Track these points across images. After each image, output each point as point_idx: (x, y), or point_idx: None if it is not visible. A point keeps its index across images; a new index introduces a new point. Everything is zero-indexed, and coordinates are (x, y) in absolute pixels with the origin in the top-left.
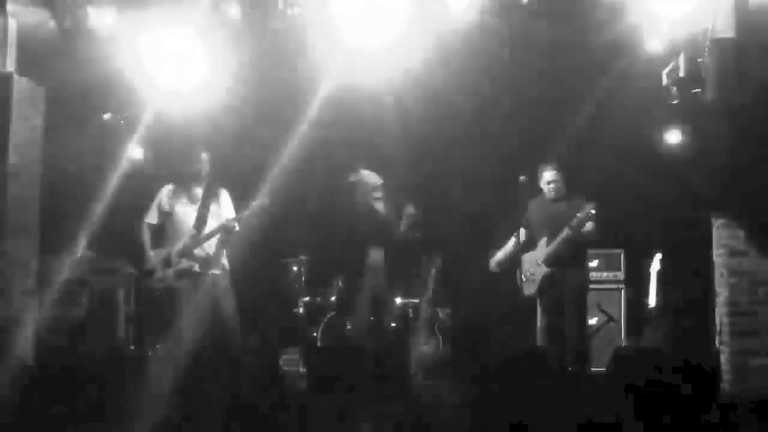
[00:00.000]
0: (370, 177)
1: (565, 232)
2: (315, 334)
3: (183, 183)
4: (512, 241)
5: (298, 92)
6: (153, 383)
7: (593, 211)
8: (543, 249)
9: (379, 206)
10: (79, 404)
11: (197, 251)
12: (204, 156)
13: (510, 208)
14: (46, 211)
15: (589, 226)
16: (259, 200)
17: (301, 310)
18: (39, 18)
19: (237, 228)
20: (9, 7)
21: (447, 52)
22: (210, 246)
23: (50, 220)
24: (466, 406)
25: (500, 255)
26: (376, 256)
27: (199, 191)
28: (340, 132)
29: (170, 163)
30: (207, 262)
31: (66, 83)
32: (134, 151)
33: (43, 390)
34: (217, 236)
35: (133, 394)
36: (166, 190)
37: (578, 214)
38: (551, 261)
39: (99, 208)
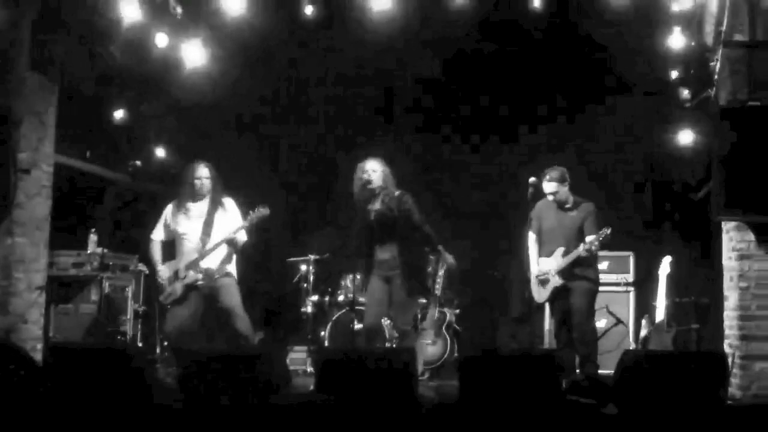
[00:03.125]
0: (365, 167)
1: (581, 250)
2: (323, 334)
3: (186, 199)
4: (533, 250)
5: None
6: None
7: (608, 232)
8: (558, 260)
9: (376, 205)
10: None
11: (203, 263)
12: (206, 171)
13: (520, 208)
14: (56, 207)
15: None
16: (259, 211)
17: (309, 309)
18: (52, 15)
19: (240, 239)
20: (22, 5)
21: None
22: (216, 257)
23: (61, 217)
24: (471, 406)
25: (535, 268)
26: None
27: (203, 205)
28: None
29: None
30: (213, 273)
31: (78, 80)
32: (146, 148)
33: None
34: (223, 247)
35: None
36: (171, 206)
37: (595, 236)
38: (565, 274)
39: (110, 205)
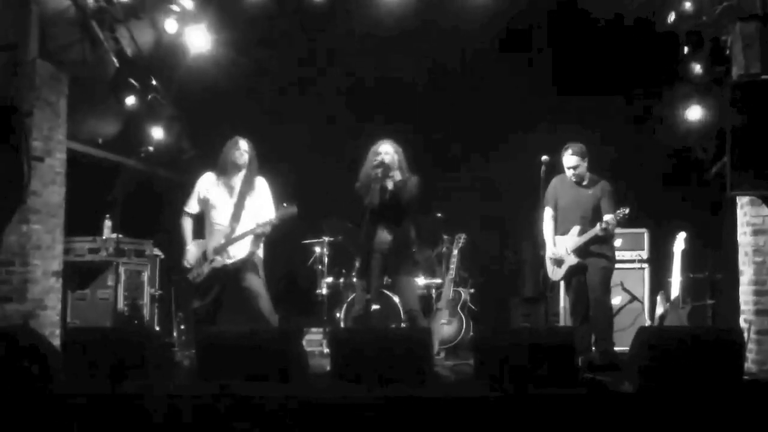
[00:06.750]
0: (379, 150)
1: (598, 230)
2: (338, 315)
3: (223, 172)
4: (549, 228)
5: None
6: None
7: (627, 212)
8: (575, 238)
9: (387, 183)
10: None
11: (231, 249)
12: (246, 145)
13: (532, 187)
14: (70, 193)
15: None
16: (288, 209)
17: (323, 291)
18: (61, 3)
19: (267, 231)
20: None
21: None
22: (243, 244)
23: (75, 203)
24: (488, 385)
25: (552, 249)
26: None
27: (237, 181)
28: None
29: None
30: (240, 258)
31: (89, 67)
32: (158, 134)
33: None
34: (250, 236)
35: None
36: (206, 178)
37: (612, 215)
38: (581, 252)
39: (124, 191)
